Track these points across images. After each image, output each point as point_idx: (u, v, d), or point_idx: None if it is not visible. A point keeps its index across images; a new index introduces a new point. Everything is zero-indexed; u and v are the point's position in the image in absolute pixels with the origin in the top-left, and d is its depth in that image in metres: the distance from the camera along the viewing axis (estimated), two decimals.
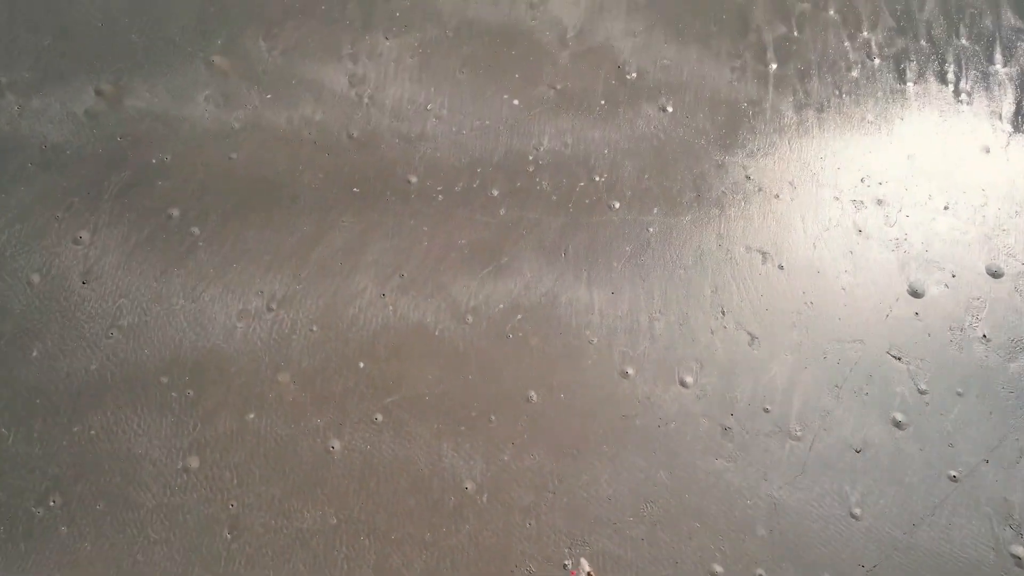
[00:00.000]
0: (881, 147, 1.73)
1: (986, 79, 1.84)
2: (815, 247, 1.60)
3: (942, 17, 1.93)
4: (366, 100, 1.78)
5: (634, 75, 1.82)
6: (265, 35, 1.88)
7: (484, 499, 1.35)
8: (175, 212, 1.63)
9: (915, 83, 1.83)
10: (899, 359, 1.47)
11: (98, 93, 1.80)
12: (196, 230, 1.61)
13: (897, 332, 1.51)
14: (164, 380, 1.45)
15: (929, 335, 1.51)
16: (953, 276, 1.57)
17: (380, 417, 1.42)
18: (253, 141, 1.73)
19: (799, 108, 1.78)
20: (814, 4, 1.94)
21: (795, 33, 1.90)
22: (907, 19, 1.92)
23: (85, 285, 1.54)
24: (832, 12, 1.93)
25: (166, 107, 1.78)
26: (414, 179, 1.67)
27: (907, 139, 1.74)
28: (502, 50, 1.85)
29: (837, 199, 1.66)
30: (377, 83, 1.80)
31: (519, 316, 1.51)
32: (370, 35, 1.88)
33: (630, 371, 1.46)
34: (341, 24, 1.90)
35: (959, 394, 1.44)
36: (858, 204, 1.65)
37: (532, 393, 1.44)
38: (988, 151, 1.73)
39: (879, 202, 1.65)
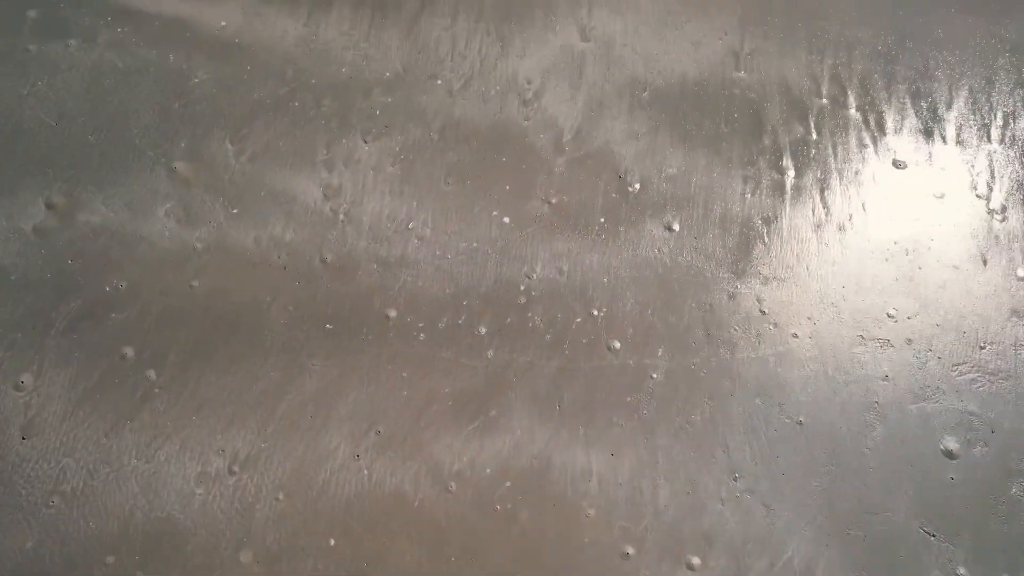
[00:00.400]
0: (910, 273, 1.57)
1: (1023, 191, 1.68)
2: (837, 396, 1.44)
3: (972, 116, 1.76)
4: (342, 216, 1.62)
5: (637, 186, 1.65)
6: (233, 136, 1.71)
7: None
8: (129, 352, 1.47)
9: (945, 196, 1.66)
10: (933, 536, 1.32)
11: (49, 207, 1.64)
12: (152, 374, 1.46)
13: (930, 501, 1.35)
14: (110, 560, 1.30)
15: (967, 505, 1.35)
16: (992, 432, 1.42)
17: None
18: (217, 266, 1.57)
19: (818, 226, 1.62)
20: (833, 100, 1.78)
21: (813, 135, 1.73)
22: (933, 118, 1.76)
23: (25, 441, 1.39)
24: (853, 110, 1.76)
25: (123, 223, 1.62)
26: (393, 313, 1.51)
27: (938, 264, 1.58)
28: (491, 156, 1.69)
29: (861, 337, 1.50)
30: (354, 196, 1.64)
31: (508, 483, 1.36)
32: (347, 137, 1.71)
33: (631, 551, 1.31)
34: (316, 124, 1.73)
35: None
36: (885, 344, 1.49)
37: None
38: None
39: (908, 341, 1.49)
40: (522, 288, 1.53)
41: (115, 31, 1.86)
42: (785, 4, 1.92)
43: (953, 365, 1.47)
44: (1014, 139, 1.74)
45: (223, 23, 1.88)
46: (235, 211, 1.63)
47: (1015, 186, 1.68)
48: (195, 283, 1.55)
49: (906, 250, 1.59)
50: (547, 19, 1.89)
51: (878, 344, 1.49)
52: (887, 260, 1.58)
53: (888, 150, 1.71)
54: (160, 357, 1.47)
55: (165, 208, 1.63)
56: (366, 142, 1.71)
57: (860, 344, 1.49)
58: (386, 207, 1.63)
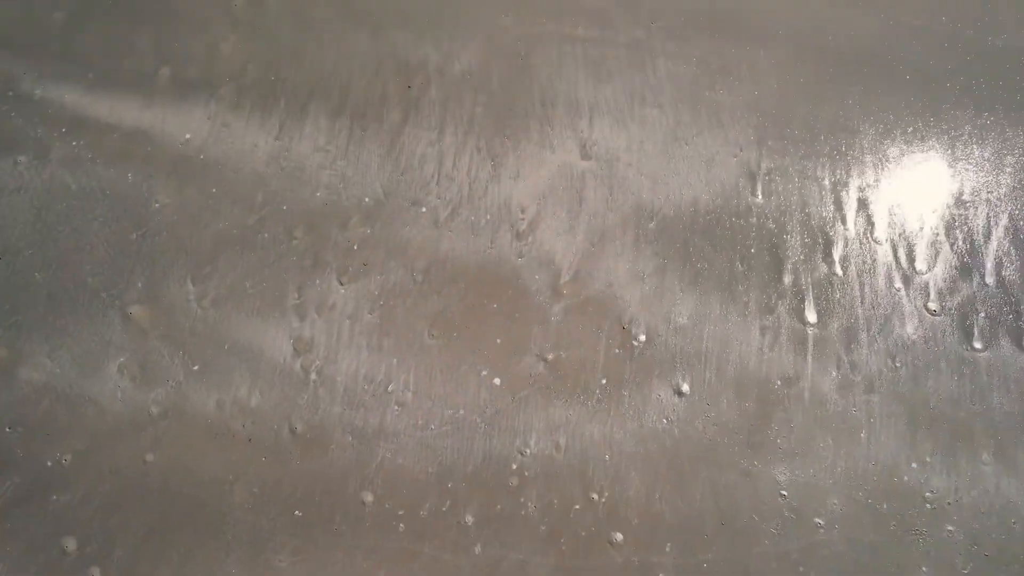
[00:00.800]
0: (949, 446, 1.40)
1: None
2: None
3: (1013, 249, 1.60)
4: (313, 376, 1.45)
5: (642, 339, 1.49)
6: (195, 275, 1.55)
7: None
8: (70, 544, 1.31)
9: (985, 347, 1.50)
10: None
11: None
12: (96, 572, 1.29)
13: None
14: None
15: None
16: None
17: None
18: (174, 436, 1.40)
19: (844, 388, 1.45)
20: (858, 230, 1.61)
21: (838, 272, 1.56)
22: (971, 252, 1.59)
23: None
24: (882, 244, 1.59)
25: (70, 381, 1.45)
26: (370, 498, 1.35)
27: (982, 434, 1.41)
28: (481, 301, 1.52)
29: (895, 527, 1.33)
30: (328, 350, 1.47)
31: None
32: (321, 277, 1.54)
33: None
34: (286, 260, 1.56)
35: None
36: (921, 535, 1.33)
37: None
38: None
39: (949, 533, 1.33)
40: (514, 467, 1.37)
41: (69, 145, 1.69)
42: (805, 114, 1.75)
43: (1004, 564, 1.31)
44: None
45: (187, 135, 1.71)
46: (196, 368, 1.46)
47: None
48: (149, 457, 1.38)
49: (944, 416, 1.43)
50: (543, 132, 1.72)
51: (914, 537, 1.33)
52: (922, 429, 1.42)
53: (921, 292, 1.54)
54: (106, 550, 1.31)
55: (118, 363, 1.47)
56: (342, 284, 1.54)
57: (893, 537, 1.33)
58: (363, 365, 1.46)
